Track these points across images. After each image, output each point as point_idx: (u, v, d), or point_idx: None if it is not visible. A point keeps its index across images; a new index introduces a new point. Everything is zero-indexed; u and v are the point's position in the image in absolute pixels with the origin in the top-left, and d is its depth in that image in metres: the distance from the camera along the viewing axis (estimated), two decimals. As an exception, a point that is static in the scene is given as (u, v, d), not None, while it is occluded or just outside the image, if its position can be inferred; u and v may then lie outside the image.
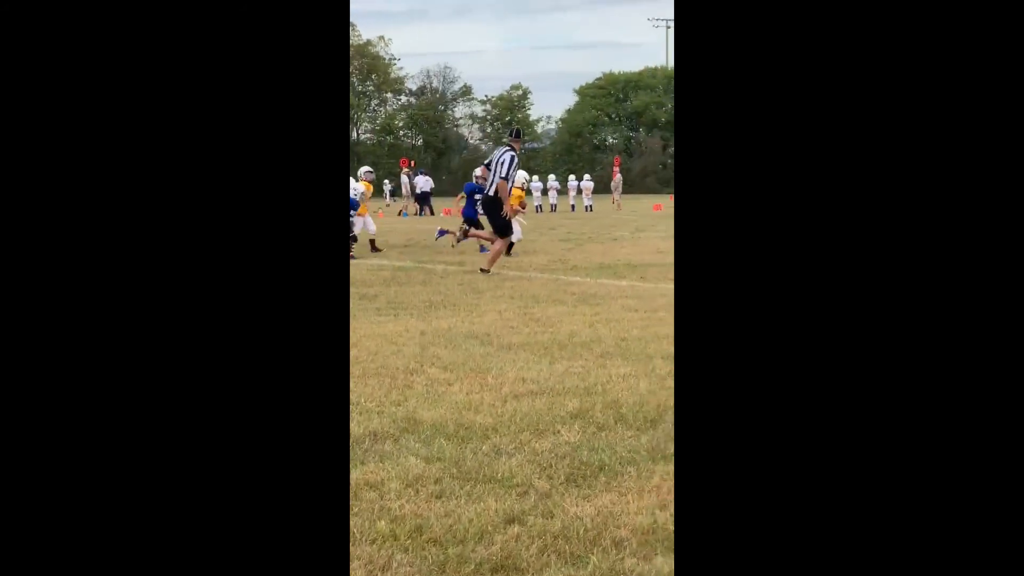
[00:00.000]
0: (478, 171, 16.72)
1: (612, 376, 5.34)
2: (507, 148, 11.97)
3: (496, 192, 11.80)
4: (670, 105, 79.16)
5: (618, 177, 38.96)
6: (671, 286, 9.88)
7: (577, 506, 3.27)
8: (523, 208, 14.79)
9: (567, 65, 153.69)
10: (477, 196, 15.76)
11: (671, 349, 6.14)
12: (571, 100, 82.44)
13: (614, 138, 79.90)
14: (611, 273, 11.44)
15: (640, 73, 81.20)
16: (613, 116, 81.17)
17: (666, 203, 40.67)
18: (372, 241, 15.64)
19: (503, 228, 12.09)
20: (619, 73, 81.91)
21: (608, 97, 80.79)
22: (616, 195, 37.88)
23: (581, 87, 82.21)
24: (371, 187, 16.69)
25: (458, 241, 14.85)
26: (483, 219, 13.57)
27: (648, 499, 3.32)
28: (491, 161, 12.19)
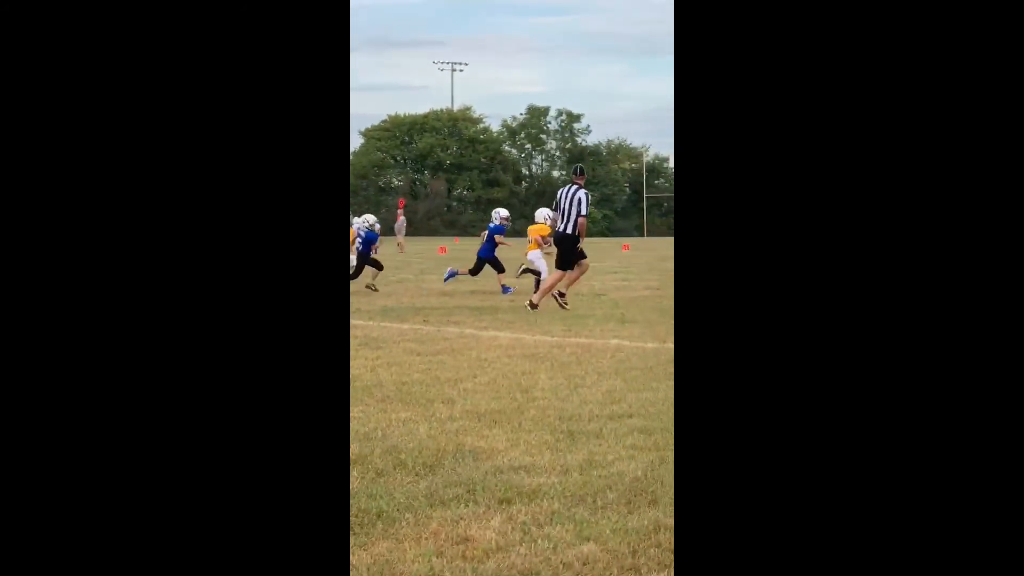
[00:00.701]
0: (503, 211, 16.39)
1: (392, 421, 5.33)
2: (577, 186, 12.24)
3: (573, 229, 12.05)
4: (455, 147, 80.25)
5: (402, 219, 39.06)
6: (454, 329, 9.96)
7: (354, 555, 3.23)
8: (547, 243, 14.78)
9: (352, 107, 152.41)
10: (498, 237, 15.56)
11: (452, 393, 6.19)
12: (356, 142, 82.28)
13: (399, 180, 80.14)
14: (394, 316, 11.43)
15: (426, 116, 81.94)
16: (398, 158, 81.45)
17: (451, 245, 41.02)
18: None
19: (568, 263, 12.23)
20: (404, 115, 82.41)
21: (393, 139, 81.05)
22: (400, 237, 37.93)
23: (366, 129, 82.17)
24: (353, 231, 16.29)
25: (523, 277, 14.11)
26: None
27: (425, 546, 3.32)
28: (558, 202, 12.34)
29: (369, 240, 15.83)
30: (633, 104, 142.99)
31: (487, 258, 15.43)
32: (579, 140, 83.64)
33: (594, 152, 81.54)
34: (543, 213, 15.40)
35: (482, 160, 79.66)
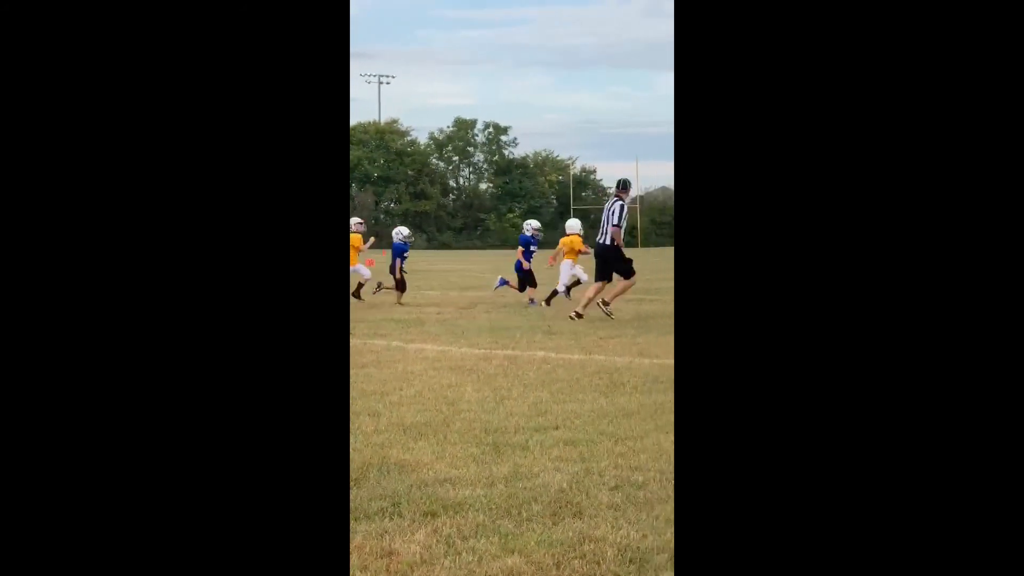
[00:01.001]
0: (535, 223, 16.14)
1: (317, 435, 5.27)
2: (616, 199, 12.43)
3: (611, 241, 12.18)
4: (383, 160, 79.97)
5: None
6: (380, 341, 9.90)
7: (276, 572, 3.19)
8: (585, 253, 14.70)
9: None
10: (532, 248, 15.39)
11: (378, 405, 6.15)
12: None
13: (326, 192, 79.53)
14: (320, 329, 11.33)
15: (353, 128, 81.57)
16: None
17: (379, 259, 40.70)
18: (360, 286, 15.73)
19: (627, 271, 12.37)
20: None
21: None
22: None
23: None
24: (360, 239, 15.97)
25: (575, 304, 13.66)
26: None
27: (350, 559, 3.28)
28: (602, 218, 12.49)
29: (397, 250, 15.74)
30: (560, 117, 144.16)
31: (524, 271, 15.25)
32: (506, 152, 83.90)
33: (521, 164, 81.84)
34: (576, 225, 15.48)
35: (409, 173, 79.51)
